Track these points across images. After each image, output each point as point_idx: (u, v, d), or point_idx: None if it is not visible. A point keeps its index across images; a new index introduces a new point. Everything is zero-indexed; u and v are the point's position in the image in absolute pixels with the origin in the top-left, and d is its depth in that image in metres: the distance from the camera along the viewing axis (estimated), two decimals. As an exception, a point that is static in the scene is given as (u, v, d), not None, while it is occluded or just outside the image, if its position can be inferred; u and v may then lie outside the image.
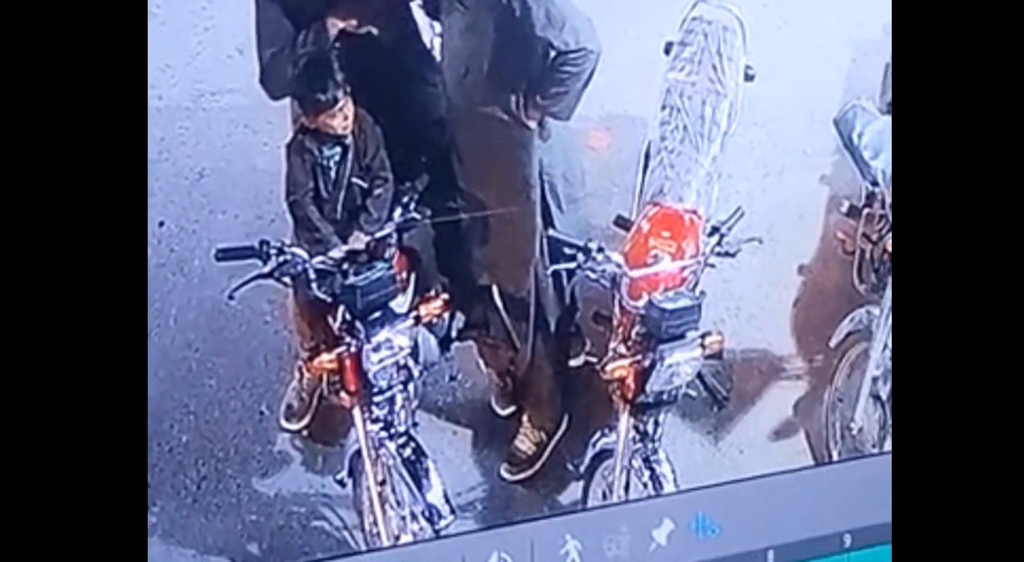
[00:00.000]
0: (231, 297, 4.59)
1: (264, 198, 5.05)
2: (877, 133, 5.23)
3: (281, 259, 4.61)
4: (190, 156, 5.33)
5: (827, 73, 6.02)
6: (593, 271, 4.83)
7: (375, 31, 4.76)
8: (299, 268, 4.64)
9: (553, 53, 4.76)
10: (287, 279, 4.69)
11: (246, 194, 5.18)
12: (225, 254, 4.64)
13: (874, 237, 5.41)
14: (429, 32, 4.75)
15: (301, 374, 5.08)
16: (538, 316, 5.14)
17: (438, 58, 4.77)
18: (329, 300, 4.67)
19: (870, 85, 5.62)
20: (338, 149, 4.80)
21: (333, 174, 4.82)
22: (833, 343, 5.31)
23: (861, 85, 5.72)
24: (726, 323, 5.29)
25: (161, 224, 5.12)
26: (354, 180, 4.84)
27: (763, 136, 5.85)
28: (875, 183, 5.23)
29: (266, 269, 4.59)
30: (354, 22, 4.74)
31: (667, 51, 5.37)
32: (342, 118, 4.74)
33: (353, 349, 4.60)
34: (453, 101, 4.79)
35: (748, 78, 5.34)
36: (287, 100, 4.80)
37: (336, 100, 4.70)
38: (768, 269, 5.58)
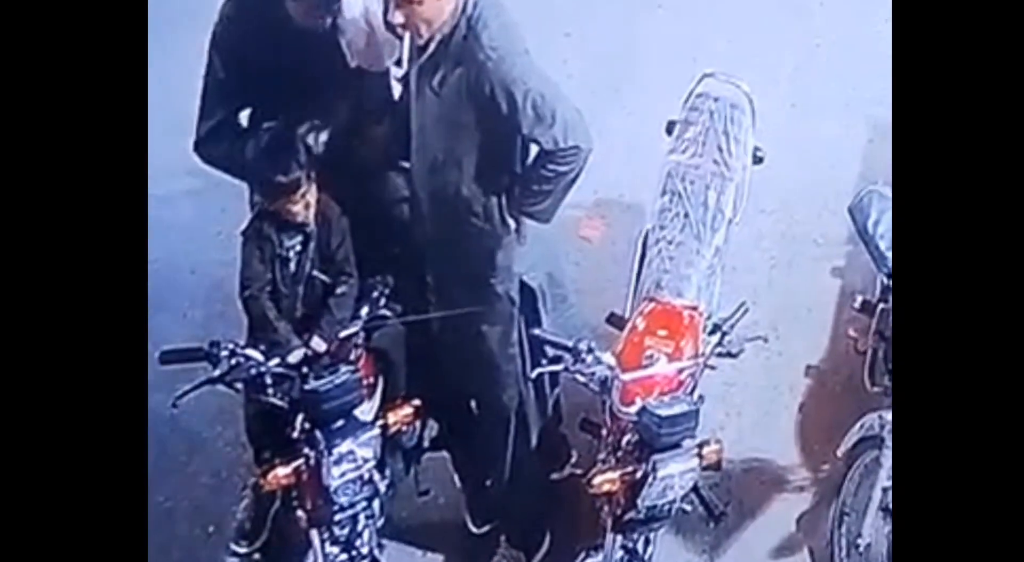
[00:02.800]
0: (175, 405, 4.23)
1: (215, 294, 4.83)
2: (895, 221, 4.90)
3: (233, 362, 4.23)
4: (131, 247, 5.10)
5: (842, 155, 5.85)
6: (581, 374, 4.45)
7: (343, 111, 4.40)
8: (253, 372, 4.26)
9: (537, 149, 4.34)
10: (239, 384, 4.32)
11: (194, 289, 5.04)
12: (170, 357, 4.24)
13: (888, 335, 5.02)
14: (402, 115, 4.34)
15: (254, 490, 4.73)
16: (519, 424, 4.78)
17: (410, 143, 4.37)
18: (286, 407, 4.32)
19: (888, 169, 5.31)
20: (299, 238, 4.42)
21: (293, 266, 4.44)
22: (841, 451, 4.93)
23: (878, 168, 5.39)
24: (726, 430, 5.00)
25: (99, 323, 4.82)
26: (315, 274, 4.45)
27: (771, 224, 5.68)
28: (890, 276, 4.88)
29: (216, 373, 4.22)
30: (322, 101, 4.37)
31: (669, 131, 5.07)
32: (304, 205, 4.36)
33: (312, 462, 4.26)
34: (425, 192, 4.39)
35: (757, 160, 5.06)
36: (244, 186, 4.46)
37: (299, 184, 4.31)
38: (773, 371, 5.32)
